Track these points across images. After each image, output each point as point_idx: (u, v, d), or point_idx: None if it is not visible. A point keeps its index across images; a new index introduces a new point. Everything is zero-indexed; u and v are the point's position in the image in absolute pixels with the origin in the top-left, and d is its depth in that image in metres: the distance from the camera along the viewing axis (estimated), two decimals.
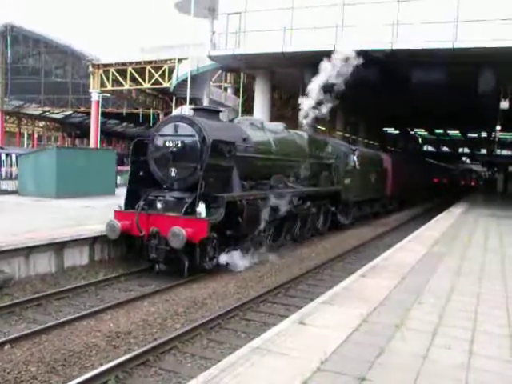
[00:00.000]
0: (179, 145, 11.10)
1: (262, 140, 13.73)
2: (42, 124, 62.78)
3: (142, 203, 11.05)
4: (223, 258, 11.22)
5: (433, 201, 39.27)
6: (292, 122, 36.05)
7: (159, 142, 11.40)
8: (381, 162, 25.55)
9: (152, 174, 11.55)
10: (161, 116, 41.84)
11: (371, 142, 42.27)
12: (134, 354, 6.40)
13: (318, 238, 17.02)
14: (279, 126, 15.99)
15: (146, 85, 36.17)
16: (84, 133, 56.27)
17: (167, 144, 11.20)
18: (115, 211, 11.26)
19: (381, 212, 25.57)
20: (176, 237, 9.83)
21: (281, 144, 14.56)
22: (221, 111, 13.74)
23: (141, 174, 11.72)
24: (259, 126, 14.24)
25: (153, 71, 35.43)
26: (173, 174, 11.20)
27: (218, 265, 11.10)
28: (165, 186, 11.44)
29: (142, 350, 6.56)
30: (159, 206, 11.05)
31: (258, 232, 12.47)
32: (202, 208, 10.25)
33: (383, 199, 25.73)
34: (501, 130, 28.91)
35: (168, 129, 11.37)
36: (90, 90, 39.69)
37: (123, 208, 11.35)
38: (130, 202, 11.35)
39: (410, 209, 31.52)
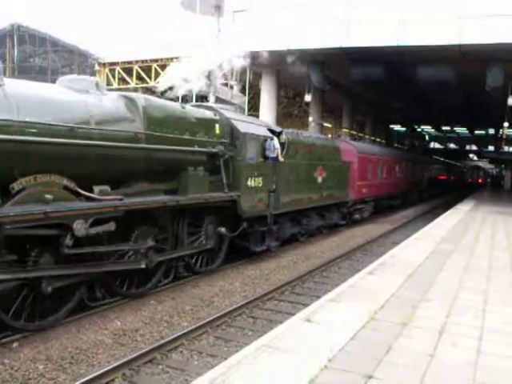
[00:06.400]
0: None
1: None
2: None
3: None
4: None
5: (437, 199, 39.01)
6: (299, 119, 36.20)
7: None
8: (337, 152, 18.15)
9: None
10: None
11: (378, 140, 42.13)
12: (141, 351, 6.41)
13: (324, 235, 16.99)
14: (80, 80, 8.61)
15: (152, 83, 36.16)
16: None
17: None
18: None
19: (341, 224, 18.78)
20: None
21: (52, 114, 7.27)
22: None
23: None
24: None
25: (159, 69, 35.42)
26: None
27: None
28: None
29: (148, 347, 6.58)
30: None
31: None
32: None
33: (345, 206, 18.87)
34: (509, 127, 28.73)
35: None
36: None
37: None
38: None
39: (417, 206, 31.40)
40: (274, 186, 12.71)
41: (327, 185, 16.53)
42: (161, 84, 12.00)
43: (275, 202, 12.74)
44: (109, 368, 5.86)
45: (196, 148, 10.13)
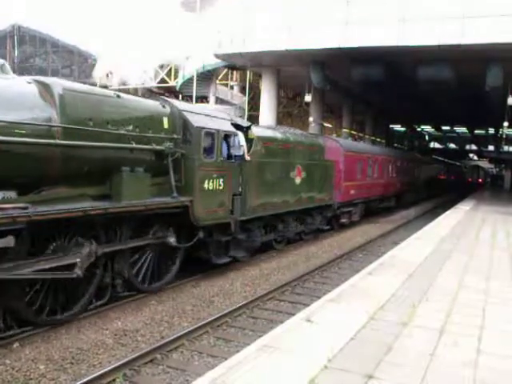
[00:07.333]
0: None
1: None
2: None
3: None
4: None
5: (437, 199, 38.92)
6: (299, 119, 36.20)
7: None
8: (319, 150, 16.30)
9: None
10: None
11: (378, 139, 42.13)
12: (141, 352, 6.42)
13: (324, 235, 16.98)
14: None
15: (152, 83, 36.18)
16: None
17: None
18: None
19: (324, 229, 16.94)
20: None
21: None
22: None
23: None
24: None
25: (159, 70, 35.42)
26: None
27: None
28: None
29: (149, 348, 6.59)
30: None
31: None
32: None
33: (329, 209, 17.06)
34: (508, 127, 28.73)
35: None
36: None
37: None
38: None
39: (417, 206, 31.37)
40: (240, 189, 11.20)
41: (307, 186, 14.73)
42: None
43: (241, 207, 11.12)
44: (110, 368, 5.88)
45: (133, 145, 8.32)
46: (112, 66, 10.08)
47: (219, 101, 29.58)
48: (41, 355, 6.30)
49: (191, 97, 28.34)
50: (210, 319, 7.82)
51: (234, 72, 32.32)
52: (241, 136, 11.13)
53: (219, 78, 31.82)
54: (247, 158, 11.21)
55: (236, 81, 33.51)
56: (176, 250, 9.70)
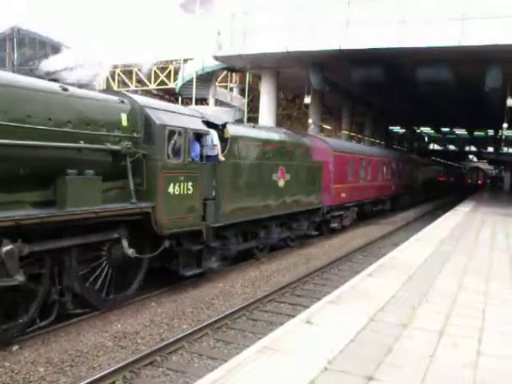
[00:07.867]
0: None
1: None
2: None
3: None
4: None
5: (436, 201, 38.87)
6: (299, 121, 36.20)
7: None
8: (305, 151, 15.20)
9: None
10: None
11: (377, 141, 42.14)
12: (141, 354, 6.41)
13: (324, 237, 16.97)
14: None
15: (152, 85, 36.18)
16: None
17: None
18: None
19: (312, 234, 15.83)
20: None
21: None
22: None
23: None
24: None
25: (158, 72, 35.47)
26: None
27: None
28: None
29: (149, 350, 6.58)
30: None
31: None
32: None
33: (318, 213, 15.99)
34: (508, 128, 28.71)
35: None
36: None
37: None
38: None
39: (416, 208, 31.36)
40: (214, 193, 10.28)
41: (292, 189, 13.66)
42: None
43: (215, 213, 10.17)
44: (109, 371, 5.87)
45: (80, 144, 7.34)
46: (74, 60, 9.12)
47: (219, 103, 29.58)
48: (40, 358, 6.29)
49: (191, 99, 28.35)
50: (209, 321, 7.82)
51: (234, 74, 32.33)
52: (214, 134, 10.29)
53: (219, 80, 31.83)
54: (221, 158, 10.34)
55: (235, 83, 33.51)
56: (138, 261, 8.71)
